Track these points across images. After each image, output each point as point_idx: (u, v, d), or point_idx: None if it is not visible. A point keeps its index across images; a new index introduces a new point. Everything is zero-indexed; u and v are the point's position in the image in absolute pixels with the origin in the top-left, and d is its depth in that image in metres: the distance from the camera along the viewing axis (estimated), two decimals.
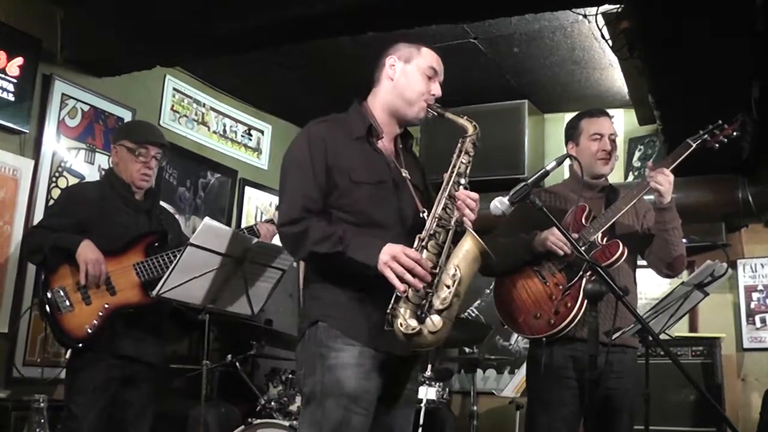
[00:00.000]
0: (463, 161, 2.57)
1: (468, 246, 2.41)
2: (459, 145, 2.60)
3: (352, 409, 2.35)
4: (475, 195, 2.50)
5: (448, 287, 2.34)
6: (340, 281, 2.45)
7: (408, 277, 2.30)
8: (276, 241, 3.44)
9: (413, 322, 2.31)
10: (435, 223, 2.44)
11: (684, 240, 3.21)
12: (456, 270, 2.36)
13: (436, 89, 2.67)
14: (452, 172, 2.54)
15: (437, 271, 2.37)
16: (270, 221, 3.83)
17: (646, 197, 3.31)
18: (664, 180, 3.15)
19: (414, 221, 2.55)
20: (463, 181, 2.54)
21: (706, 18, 3.55)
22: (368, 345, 2.41)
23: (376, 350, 2.42)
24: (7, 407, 3.99)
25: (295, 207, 2.46)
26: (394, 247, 2.35)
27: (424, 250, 2.39)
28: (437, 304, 2.33)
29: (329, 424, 2.34)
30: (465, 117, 2.65)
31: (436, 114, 2.65)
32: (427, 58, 2.67)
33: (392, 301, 2.32)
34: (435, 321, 2.32)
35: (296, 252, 2.49)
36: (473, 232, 2.43)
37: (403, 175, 2.62)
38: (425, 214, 2.51)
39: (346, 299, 2.45)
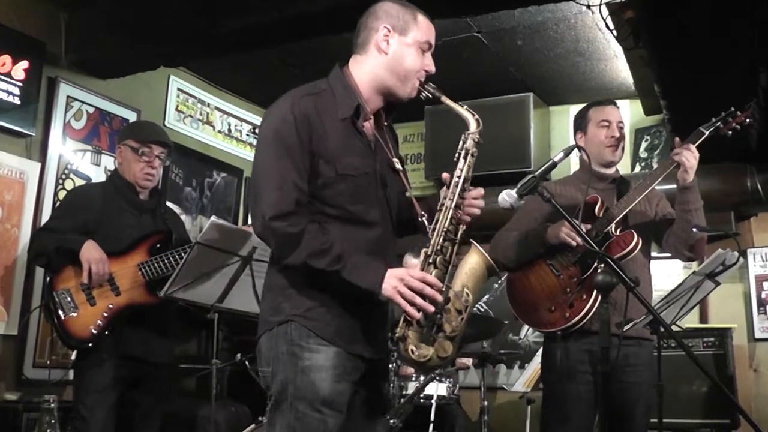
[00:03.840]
0: (469, 164, 2.38)
1: (474, 263, 2.34)
2: (461, 144, 2.39)
3: (326, 413, 2.23)
4: (479, 192, 2.39)
5: (460, 312, 2.26)
6: (313, 284, 2.27)
7: (419, 300, 2.19)
8: None
9: (425, 350, 2.23)
10: (442, 238, 2.30)
11: (694, 229, 3.18)
12: (466, 294, 2.28)
13: (430, 64, 2.43)
14: (458, 179, 2.36)
15: (444, 289, 2.27)
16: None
17: (659, 187, 3.28)
18: (690, 156, 3.11)
19: (399, 216, 2.44)
20: (468, 186, 2.37)
21: (711, 6, 3.53)
22: (341, 347, 2.27)
23: (349, 353, 2.29)
24: (18, 409, 4.01)
25: (288, 199, 2.22)
26: (399, 271, 2.22)
27: (432, 267, 2.27)
28: (448, 330, 2.25)
29: (305, 430, 2.21)
30: (465, 107, 2.41)
31: (430, 96, 2.42)
32: (423, 29, 2.42)
33: (400, 324, 2.23)
34: (445, 347, 2.25)
35: (287, 256, 2.24)
36: (479, 247, 2.35)
37: (397, 166, 2.45)
38: (424, 218, 2.37)
39: (318, 301, 2.28)
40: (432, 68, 2.44)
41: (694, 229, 3.16)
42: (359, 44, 2.46)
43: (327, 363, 2.24)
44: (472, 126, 2.40)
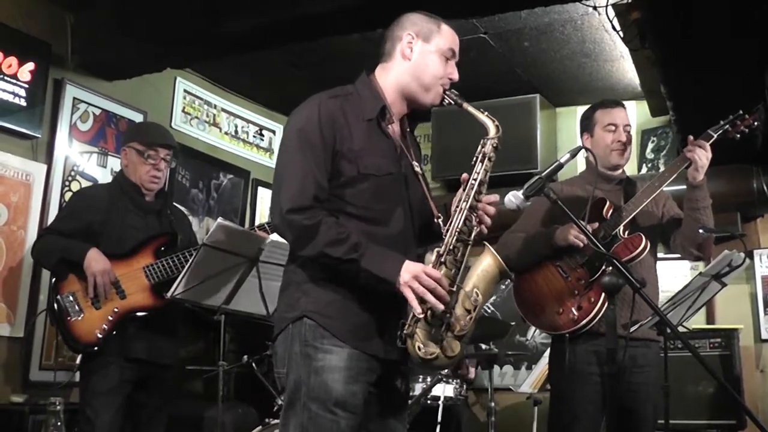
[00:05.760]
0: (486, 168, 2.39)
1: (487, 265, 2.33)
2: (480, 148, 2.40)
3: (339, 414, 2.23)
4: (494, 198, 2.40)
5: (469, 312, 2.26)
6: (331, 278, 2.29)
7: (429, 297, 2.19)
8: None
9: (432, 348, 2.23)
10: (455, 238, 2.31)
11: (700, 231, 3.18)
12: (476, 294, 2.28)
13: (454, 72, 2.46)
14: (474, 181, 2.37)
15: (454, 289, 2.28)
16: (262, 227, 3.75)
17: (667, 188, 3.27)
18: (703, 154, 3.11)
19: (421, 220, 2.46)
20: (483, 189, 2.38)
21: (717, 6, 3.52)
22: (356, 347, 2.28)
23: (364, 352, 2.29)
24: (24, 411, 4.01)
25: (306, 193, 2.26)
26: (415, 266, 2.23)
27: (443, 266, 2.29)
28: (456, 329, 2.25)
29: (317, 430, 2.22)
30: (486, 113, 2.43)
31: (453, 103, 2.44)
32: (447, 37, 2.46)
33: (409, 320, 2.24)
34: (453, 346, 2.25)
35: (303, 247, 2.26)
36: (493, 250, 2.34)
37: (415, 169, 2.48)
38: (440, 220, 2.40)
39: (335, 297, 2.30)
40: (455, 76, 2.47)
41: (701, 231, 3.15)
42: (385, 53, 2.51)
43: (340, 364, 2.26)
44: (492, 131, 2.43)
